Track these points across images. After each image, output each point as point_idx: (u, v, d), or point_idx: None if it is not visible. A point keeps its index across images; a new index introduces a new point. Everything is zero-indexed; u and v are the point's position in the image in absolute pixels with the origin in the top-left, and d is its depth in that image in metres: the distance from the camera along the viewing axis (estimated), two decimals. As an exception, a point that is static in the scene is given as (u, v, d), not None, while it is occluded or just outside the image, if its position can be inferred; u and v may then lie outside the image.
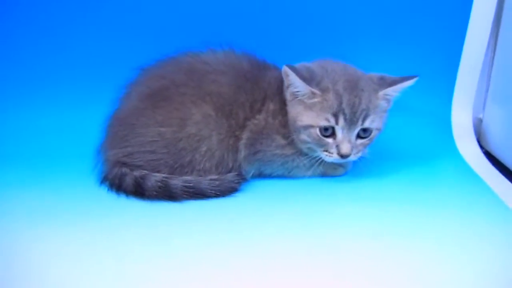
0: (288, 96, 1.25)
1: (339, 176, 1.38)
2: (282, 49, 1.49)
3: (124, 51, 1.60)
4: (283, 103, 1.27)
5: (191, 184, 1.21)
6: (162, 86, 1.27)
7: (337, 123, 1.20)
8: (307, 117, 1.22)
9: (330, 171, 1.37)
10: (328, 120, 1.20)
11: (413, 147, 1.56)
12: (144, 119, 1.25)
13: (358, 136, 1.23)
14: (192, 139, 1.23)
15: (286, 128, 1.27)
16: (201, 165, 1.25)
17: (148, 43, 1.59)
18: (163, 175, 1.23)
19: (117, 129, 1.28)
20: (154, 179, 1.22)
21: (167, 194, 1.20)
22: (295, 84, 1.21)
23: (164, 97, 1.25)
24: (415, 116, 1.64)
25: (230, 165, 1.28)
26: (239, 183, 1.27)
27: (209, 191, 1.22)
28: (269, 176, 1.35)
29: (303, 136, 1.24)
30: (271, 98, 1.28)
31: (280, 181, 1.35)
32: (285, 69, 1.21)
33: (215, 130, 1.24)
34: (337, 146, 1.22)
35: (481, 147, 1.58)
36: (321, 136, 1.22)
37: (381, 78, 1.25)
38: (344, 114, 1.19)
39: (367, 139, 1.24)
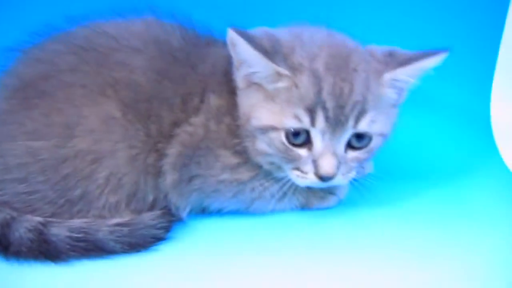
0: (239, 81, 0.89)
1: (329, 208, 1.00)
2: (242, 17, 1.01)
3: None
4: (233, 97, 0.90)
5: (80, 235, 0.83)
6: (38, 75, 0.89)
7: (313, 123, 0.83)
8: (267, 112, 0.86)
9: (314, 201, 0.99)
10: (298, 118, 0.83)
11: (439, 158, 1.25)
12: (9, 128, 0.87)
13: (350, 146, 0.87)
14: (82, 159, 0.86)
15: (239, 136, 0.90)
16: (102, 201, 0.88)
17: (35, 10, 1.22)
18: (40, 219, 0.86)
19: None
20: (25, 225, 0.84)
21: (43, 250, 0.83)
22: (247, 59, 0.85)
23: (40, 92, 0.88)
24: (443, 114, 1.34)
25: (150, 197, 0.90)
26: (165, 227, 0.87)
27: (112, 244, 0.83)
28: (219, 213, 0.97)
29: (261, 145, 0.88)
30: (214, 88, 0.91)
31: (236, 218, 0.96)
32: (230, 35, 0.83)
33: (122, 142, 0.87)
34: (315, 162, 0.85)
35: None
36: (288, 145, 0.86)
37: (390, 54, 0.90)
38: (325, 109, 0.83)
39: (364, 150, 0.89)
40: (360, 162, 0.90)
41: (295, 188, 0.93)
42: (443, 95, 1.33)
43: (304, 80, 0.83)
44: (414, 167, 1.20)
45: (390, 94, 0.89)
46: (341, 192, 0.99)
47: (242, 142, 0.89)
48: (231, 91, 0.90)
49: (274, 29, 0.90)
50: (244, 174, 0.91)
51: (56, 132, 0.85)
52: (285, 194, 0.93)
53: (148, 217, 0.87)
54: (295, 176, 0.88)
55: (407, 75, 0.88)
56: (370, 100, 0.84)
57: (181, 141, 0.89)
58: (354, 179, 1.01)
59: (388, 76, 0.87)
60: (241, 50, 0.83)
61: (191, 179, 0.91)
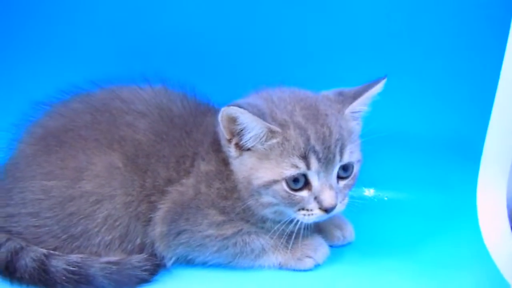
0: (232, 151, 0.95)
1: (306, 271, 1.02)
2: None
3: (27, 78, 1.35)
4: (221, 163, 0.98)
5: (75, 268, 0.91)
6: (60, 127, 1.01)
7: (309, 167, 0.91)
8: (266, 170, 0.92)
9: (291, 262, 1.03)
10: (296, 166, 0.91)
11: (416, 239, 1.18)
12: (31, 169, 0.98)
13: (339, 177, 0.96)
14: (86, 200, 0.95)
15: (227, 199, 0.97)
16: (98, 238, 0.96)
17: (66, 69, 1.34)
18: (44, 250, 0.95)
19: (4, 182, 1.02)
20: (31, 255, 0.94)
21: (42, 279, 0.92)
22: (249, 126, 0.91)
23: (60, 141, 0.99)
24: (422, 191, 1.33)
25: (138, 241, 0.99)
26: (150, 270, 0.95)
27: (101, 279, 0.92)
28: (203, 265, 1.02)
29: (267, 198, 0.94)
30: (203, 156, 0.99)
31: (219, 271, 1.02)
32: (228, 111, 0.90)
33: (120, 188, 0.96)
34: (317, 198, 0.93)
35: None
36: (290, 192, 0.92)
37: (340, 94, 1.01)
38: (315, 152, 0.91)
39: (350, 178, 0.97)
40: (350, 189, 0.98)
41: (276, 247, 1.00)
42: (430, 169, 1.32)
43: (293, 133, 0.91)
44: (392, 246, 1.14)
45: (354, 125, 0.99)
46: (318, 256, 1.02)
47: (233, 207, 0.96)
48: (218, 160, 0.97)
49: (246, 99, 0.98)
50: (228, 230, 0.97)
51: (68, 174, 0.95)
52: (265, 251, 1.00)
53: (135, 259, 0.94)
54: (301, 216, 0.94)
55: (361, 104, 0.98)
56: (345, 136, 0.94)
57: (172, 199, 0.97)
58: (337, 245, 1.10)
59: (348, 110, 0.97)
60: (244, 119, 0.89)
61: (178, 233, 0.97)
